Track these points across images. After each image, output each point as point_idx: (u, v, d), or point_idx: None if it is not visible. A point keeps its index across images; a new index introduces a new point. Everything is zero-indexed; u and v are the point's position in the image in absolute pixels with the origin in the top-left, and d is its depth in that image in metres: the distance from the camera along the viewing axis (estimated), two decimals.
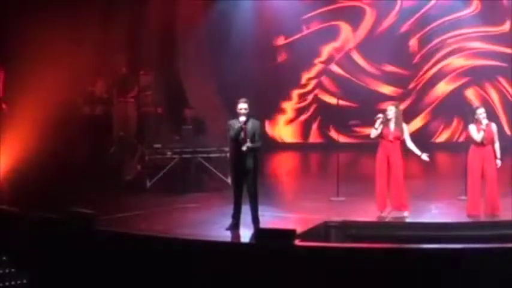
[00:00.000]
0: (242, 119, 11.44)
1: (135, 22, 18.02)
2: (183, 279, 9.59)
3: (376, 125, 12.30)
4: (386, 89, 19.89)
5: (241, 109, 11.48)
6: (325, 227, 11.51)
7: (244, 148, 11.43)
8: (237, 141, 11.58)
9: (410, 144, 12.45)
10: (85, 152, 16.36)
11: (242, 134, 11.50)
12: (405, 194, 12.41)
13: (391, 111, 12.38)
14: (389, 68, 19.91)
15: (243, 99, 11.58)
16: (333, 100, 18.62)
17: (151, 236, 10.56)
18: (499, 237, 10.68)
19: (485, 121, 12.14)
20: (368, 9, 19.89)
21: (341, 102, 17.19)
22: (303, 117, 20.39)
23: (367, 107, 18.60)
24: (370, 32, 19.91)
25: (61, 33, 15.35)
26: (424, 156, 12.39)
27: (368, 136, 12.90)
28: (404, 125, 12.50)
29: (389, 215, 12.40)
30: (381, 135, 12.38)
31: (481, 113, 12.22)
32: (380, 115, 12.32)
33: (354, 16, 19.95)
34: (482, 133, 12.14)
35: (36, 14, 15.23)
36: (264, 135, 12.46)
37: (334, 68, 20.19)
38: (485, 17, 19.24)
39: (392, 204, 12.40)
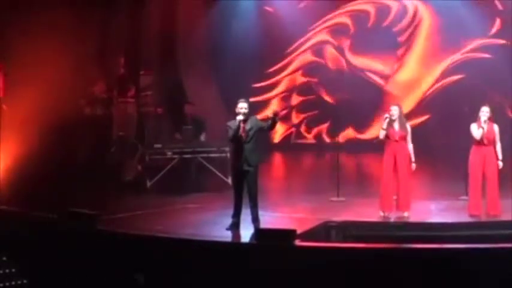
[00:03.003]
0: (240, 117, 11.46)
1: (135, 22, 18.02)
2: (183, 279, 9.60)
3: (384, 126, 12.30)
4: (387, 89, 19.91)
5: (241, 108, 11.49)
6: (326, 227, 11.50)
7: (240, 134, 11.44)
8: (236, 141, 11.57)
9: (410, 146, 12.45)
10: (85, 152, 16.35)
11: (242, 134, 11.49)
12: (411, 194, 12.41)
13: (396, 111, 12.37)
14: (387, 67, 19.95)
15: (243, 99, 11.60)
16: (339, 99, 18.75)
17: (152, 236, 10.56)
18: (499, 237, 10.66)
19: (484, 118, 12.12)
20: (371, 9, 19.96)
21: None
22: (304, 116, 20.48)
23: (368, 106, 18.71)
24: (372, 28, 19.93)
25: (61, 34, 15.35)
26: (413, 166, 12.41)
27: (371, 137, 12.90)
28: (407, 125, 12.49)
29: (390, 215, 12.40)
30: (387, 136, 12.37)
31: (483, 111, 12.18)
32: (387, 115, 12.32)
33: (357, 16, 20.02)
34: (481, 131, 12.13)
35: (36, 15, 15.23)
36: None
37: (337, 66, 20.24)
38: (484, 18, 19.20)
39: (397, 205, 12.39)
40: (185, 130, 15.62)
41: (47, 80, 15.07)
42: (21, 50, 15.17)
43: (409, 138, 12.41)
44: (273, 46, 20.10)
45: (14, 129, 14.88)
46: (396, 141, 12.34)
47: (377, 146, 13.13)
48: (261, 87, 20.20)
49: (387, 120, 12.29)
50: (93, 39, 16.77)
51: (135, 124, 17.52)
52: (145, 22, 18.28)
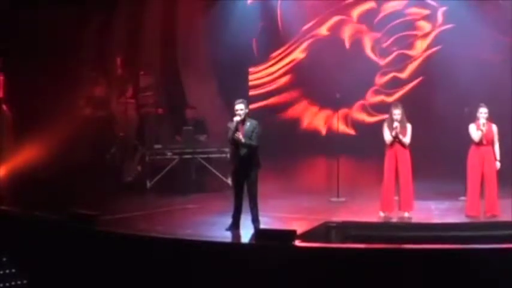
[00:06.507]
0: (237, 118, 11.47)
1: (135, 22, 18.02)
2: (183, 280, 9.61)
3: (394, 133, 12.28)
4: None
5: (237, 110, 11.51)
6: (325, 227, 11.51)
7: (236, 136, 11.41)
8: (235, 142, 11.57)
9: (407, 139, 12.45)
10: (85, 153, 16.36)
11: (241, 135, 11.48)
12: (412, 194, 12.42)
13: (398, 111, 12.36)
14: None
15: (240, 100, 11.62)
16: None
17: (152, 237, 10.57)
18: (498, 237, 10.69)
19: (482, 120, 12.13)
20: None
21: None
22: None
23: None
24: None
25: (61, 34, 15.36)
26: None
27: None
28: (408, 125, 12.47)
29: (391, 215, 12.41)
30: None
31: (482, 112, 12.19)
32: (396, 123, 12.28)
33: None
34: (480, 133, 12.14)
35: (36, 15, 15.24)
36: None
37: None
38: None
39: (399, 205, 12.39)
40: (186, 131, 15.63)
41: (47, 81, 15.08)
42: (21, 51, 15.19)
43: (408, 137, 12.39)
44: (272, 45, 20.09)
45: (14, 130, 14.90)
46: (396, 141, 12.35)
47: (377, 147, 13.13)
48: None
49: (398, 128, 12.26)
50: (94, 39, 16.77)
51: (135, 125, 17.53)
52: (146, 22, 18.27)
